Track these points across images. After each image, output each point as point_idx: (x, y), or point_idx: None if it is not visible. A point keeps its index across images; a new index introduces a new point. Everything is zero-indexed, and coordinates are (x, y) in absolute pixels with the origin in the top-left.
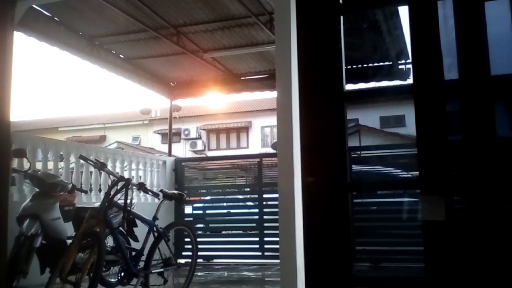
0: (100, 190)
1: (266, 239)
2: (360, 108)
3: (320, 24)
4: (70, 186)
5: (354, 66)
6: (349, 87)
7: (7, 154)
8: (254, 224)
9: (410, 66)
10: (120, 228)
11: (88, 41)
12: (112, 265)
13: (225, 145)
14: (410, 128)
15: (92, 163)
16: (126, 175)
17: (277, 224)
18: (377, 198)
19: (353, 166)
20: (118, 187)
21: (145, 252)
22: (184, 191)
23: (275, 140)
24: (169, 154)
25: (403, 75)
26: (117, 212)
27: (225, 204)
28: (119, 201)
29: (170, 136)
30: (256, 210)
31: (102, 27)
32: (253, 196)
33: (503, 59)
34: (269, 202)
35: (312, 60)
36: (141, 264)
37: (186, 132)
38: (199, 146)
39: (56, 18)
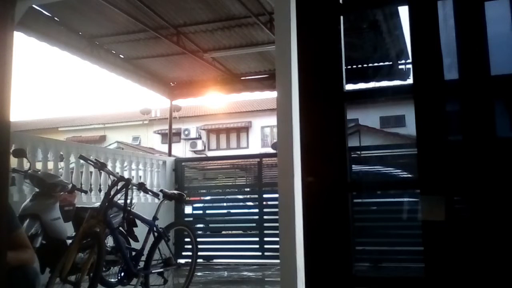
0: (100, 190)
1: (266, 239)
2: (360, 108)
3: (320, 24)
4: (70, 186)
5: (354, 66)
6: (349, 87)
7: (7, 154)
8: (254, 224)
9: (410, 66)
10: (120, 228)
11: (88, 41)
12: (112, 265)
13: (225, 145)
14: (410, 128)
15: (92, 163)
16: (126, 175)
17: (277, 224)
18: (377, 198)
19: (353, 166)
20: (118, 187)
21: (145, 252)
22: (184, 191)
23: (275, 140)
24: (169, 154)
25: (403, 75)
26: (117, 212)
27: (225, 204)
28: (119, 201)
29: (170, 136)
30: (256, 210)
31: (102, 27)
32: (253, 196)
33: (503, 59)
34: (269, 202)
35: (312, 60)
36: (141, 264)
37: (186, 132)
38: (199, 146)
39: (56, 18)
